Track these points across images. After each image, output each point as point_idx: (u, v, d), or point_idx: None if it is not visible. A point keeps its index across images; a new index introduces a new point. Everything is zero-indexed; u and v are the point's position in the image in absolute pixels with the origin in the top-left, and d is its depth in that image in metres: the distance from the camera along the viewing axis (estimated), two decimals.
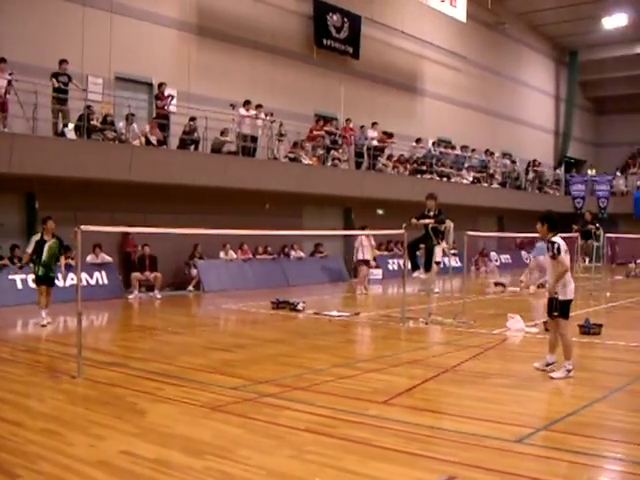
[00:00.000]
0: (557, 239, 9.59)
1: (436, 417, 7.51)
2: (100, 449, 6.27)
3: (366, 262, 23.32)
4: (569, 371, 9.43)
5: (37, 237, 14.62)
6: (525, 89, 44.89)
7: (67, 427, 6.94)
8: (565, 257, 9.48)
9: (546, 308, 9.74)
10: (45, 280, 14.57)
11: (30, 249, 14.61)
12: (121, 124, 20.83)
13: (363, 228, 22.06)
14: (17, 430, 6.85)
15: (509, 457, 6.17)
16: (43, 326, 14.09)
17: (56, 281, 15.07)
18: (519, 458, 6.16)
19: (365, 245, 22.90)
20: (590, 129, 52.61)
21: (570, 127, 48.57)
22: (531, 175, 40.81)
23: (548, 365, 9.71)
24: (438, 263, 20.71)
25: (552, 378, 9.38)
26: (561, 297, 9.48)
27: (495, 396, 8.54)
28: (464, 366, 10.11)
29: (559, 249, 9.47)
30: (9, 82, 18.11)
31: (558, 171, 45.27)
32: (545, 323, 13.59)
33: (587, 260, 23.79)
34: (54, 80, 19.26)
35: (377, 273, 26.29)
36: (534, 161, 41.92)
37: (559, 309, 9.45)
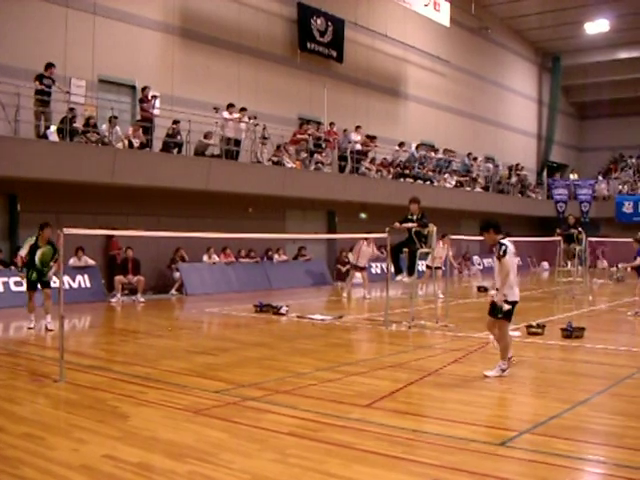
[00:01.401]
0: (505, 241, 9.72)
1: (419, 420, 7.51)
2: (82, 453, 6.24)
3: (360, 268, 23.10)
4: (503, 370, 9.56)
5: (32, 241, 14.34)
6: (508, 93, 45.10)
7: (49, 431, 6.90)
8: (510, 260, 9.59)
9: (489, 310, 9.76)
10: (38, 284, 14.42)
11: (24, 252, 14.42)
12: (104, 127, 20.76)
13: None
14: None
15: (492, 460, 6.18)
16: (49, 330, 13.94)
17: (52, 283, 14.83)
18: (502, 461, 6.17)
19: (364, 251, 22.64)
20: (572, 133, 52.93)
21: (553, 131, 48.83)
22: (514, 179, 40.96)
23: (503, 371, 9.72)
24: (438, 268, 20.75)
25: (486, 376, 9.46)
26: (511, 299, 9.56)
27: (478, 399, 8.56)
28: (447, 369, 10.13)
29: (505, 251, 9.58)
30: None
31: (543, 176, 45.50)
32: (527, 327, 13.70)
33: (569, 264, 23.93)
34: (37, 82, 19.19)
35: (361, 276, 26.29)
36: (517, 165, 42.11)
37: (503, 311, 9.52)
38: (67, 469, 5.82)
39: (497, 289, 9.63)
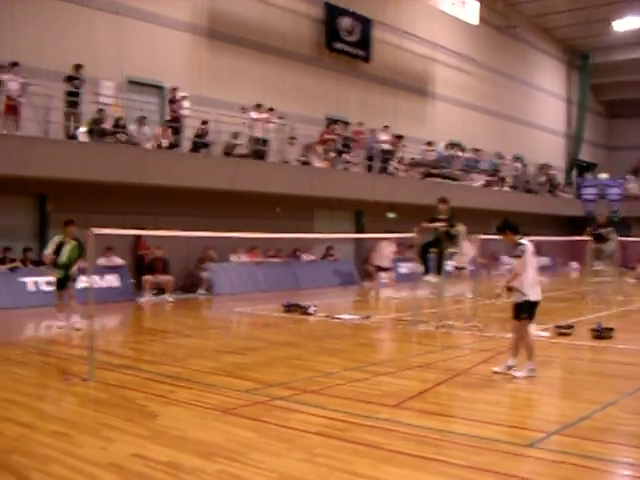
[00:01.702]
0: (524, 241, 9.75)
1: (447, 421, 7.49)
2: (111, 452, 6.28)
3: (384, 269, 23.39)
4: (532, 370, 9.49)
5: (58, 239, 14.49)
6: (536, 92, 44.80)
7: (78, 429, 6.95)
8: (525, 260, 9.56)
9: (513, 311, 9.72)
10: (66, 282, 14.52)
11: (49, 250, 14.52)
12: (133, 127, 20.88)
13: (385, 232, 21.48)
14: (28, 432, 6.87)
15: (520, 461, 6.16)
16: (77, 329, 14.01)
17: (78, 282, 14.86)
18: (531, 462, 6.14)
19: (384, 251, 22.87)
20: (602, 132, 52.48)
21: (582, 130, 48.45)
22: (542, 178, 40.68)
23: (509, 369, 9.67)
24: (462, 268, 20.77)
25: (515, 377, 9.40)
26: (534, 298, 9.53)
27: (506, 400, 8.53)
28: (475, 370, 10.09)
29: (523, 251, 9.60)
30: (22, 86, 18.19)
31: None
32: (556, 328, 13.61)
33: (599, 264, 23.70)
34: (67, 84, 19.35)
35: (386, 277, 26.25)
36: (545, 164, 41.83)
37: (527, 310, 9.49)
38: (95, 467, 5.86)
39: (517, 290, 9.59)
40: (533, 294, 9.52)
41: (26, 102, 18.33)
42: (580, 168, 49.31)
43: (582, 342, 12.81)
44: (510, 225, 9.86)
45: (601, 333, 13.09)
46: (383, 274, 23.74)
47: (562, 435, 6.88)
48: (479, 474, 5.77)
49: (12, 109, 18.21)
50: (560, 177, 43.97)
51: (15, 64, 18.22)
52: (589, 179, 46.05)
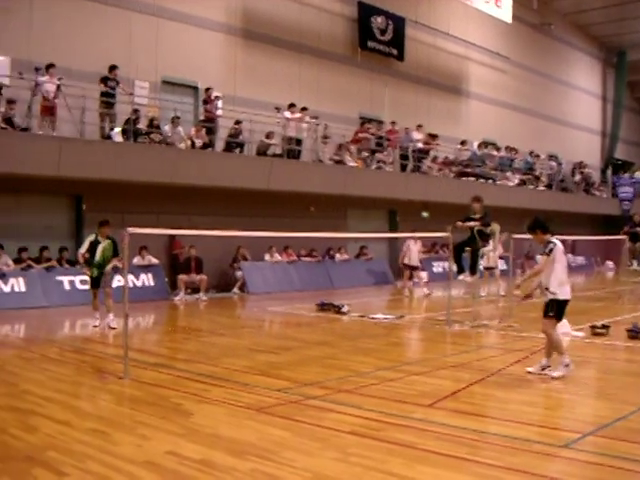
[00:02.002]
0: (555, 239, 9.68)
1: (482, 421, 7.45)
2: (146, 449, 6.32)
3: (414, 267, 23.42)
4: (567, 365, 9.40)
5: (91, 238, 14.55)
6: (571, 90, 44.46)
7: (114, 427, 7.01)
8: (554, 258, 9.49)
9: (544, 311, 9.65)
10: (99, 281, 14.66)
11: (84, 249, 14.64)
12: (167, 127, 21.00)
13: (413, 231, 21.71)
14: (65, 429, 6.93)
15: (555, 462, 6.11)
16: (112, 328, 14.11)
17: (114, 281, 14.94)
18: (566, 463, 6.09)
19: (412, 250, 22.94)
20: (638, 130, 51.91)
21: (617, 128, 47.99)
22: (577, 177, 40.34)
23: (544, 369, 9.60)
24: (492, 268, 20.71)
25: (554, 378, 9.30)
26: (563, 297, 9.44)
27: (541, 400, 8.47)
28: (510, 370, 10.03)
29: (552, 250, 9.53)
30: (58, 87, 18.37)
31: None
32: (592, 328, 13.49)
33: (635, 263, 23.49)
34: (102, 84, 19.52)
35: (423, 276, 26.19)
36: (581, 163, 41.47)
37: (556, 309, 9.42)
38: (131, 464, 5.90)
39: (547, 289, 9.52)
40: (561, 293, 9.43)
41: (61, 103, 18.50)
42: (615, 166, 48.81)
43: (618, 342, 12.69)
44: (540, 224, 9.78)
45: (637, 333, 12.95)
46: (422, 273, 23.84)
47: (597, 436, 6.82)
48: (513, 474, 5.73)
49: (48, 110, 18.40)
50: (595, 176, 43.55)
51: (51, 65, 18.40)
52: (625, 178, 45.57)
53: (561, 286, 9.46)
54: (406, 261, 23.49)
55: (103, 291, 14.58)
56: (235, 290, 22.45)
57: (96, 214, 18.56)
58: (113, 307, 14.20)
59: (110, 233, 14.42)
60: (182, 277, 20.70)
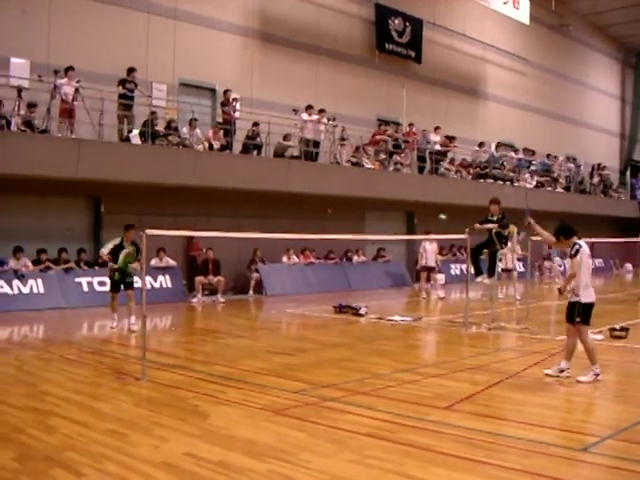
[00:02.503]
0: (580, 242, 9.65)
1: (499, 424, 7.43)
2: (163, 450, 6.35)
3: (429, 268, 23.49)
4: (597, 375, 9.33)
5: (117, 241, 14.58)
6: (590, 91, 44.26)
7: (131, 428, 7.04)
8: (580, 260, 9.45)
9: (567, 314, 9.59)
10: (121, 285, 14.68)
11: (107, 250, 14.64)
12: (184, 129, 21.05)
13: (427, 233, 22.00)
14: (83, 430, 6.97)
15: (574, 466, 6.09)
16: (132, 331, 14.11)
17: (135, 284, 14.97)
18: (584, 467, 6.07)
19: (428, 250, 23.01)
20: None
21: (636, 130, 47.69)
22: (596, 179, 40.15)
23: (562, 371, 9.55)
24: (510, 270, 20.70)
25: (579, 382, 9.26)
26: (587, 300, 9.38)
27: (560, 403, 8.44)
28: (528, 372, 10.00)
29: (577, 251, 9.50)
30: (76, 89, 18.46)
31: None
32: (611, 330, 13.42)
33: None
34: (120, 87, 19.60)
35: (440, 278, 26.15)
36: (599, 165, 41.26)
37: (582, 314, 9.35)
38: (149, 465, 5.93)
39: (572, 290, 9.48)
40: (585, 296, 9.38)
41: (80, 105, 18.58)
42: (634, 168, 48.55)
43: (637, 345, 12.64)
44: (562, 230, 9.73)
45: None
46: (438, 275, 23.92)
47: (616, 440, 6.78)
48: (530, 477, 5.71)
49: (67, 112, 18.50)
50: (614, 177, 43.32)
51: (70, 68, 18.49)
52: None
53: (585, 289, 9.41)
54: (423, 262, 23.52)
55: (125, 293, 14.62)
56: (250, 292, 22.44)
57: (114, 216, 18.72)
58: (135, 310, 14.22)
59: (135, 238, 14.38)
60: (199, 279, 20.73)
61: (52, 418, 7.41)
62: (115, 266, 14.60)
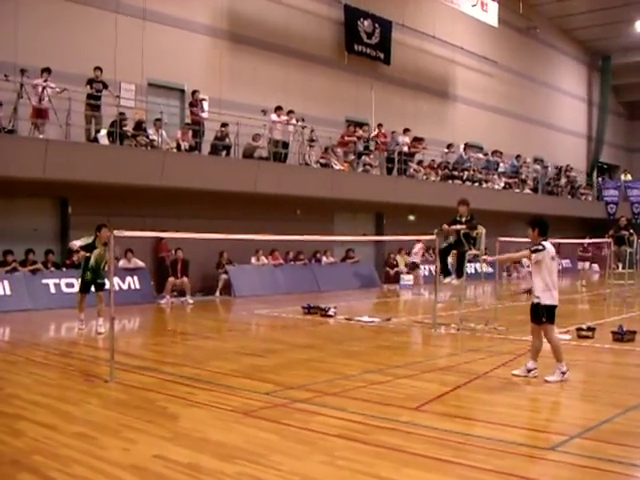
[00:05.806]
0: (546, 244, 9.61)
1: (468, 424, 7.46)
2: (133, 453, 6.30)
3: (415, 265, 25.37)
4: (564, 373, 9.40)
5: (90, 240, 14.27)
6: (557, 94, 44.65)
7: (100, 431, 6.98)
8: (541, 260, 9.50)
9: (530, 314, 9.65)
10: (92, 286, 14.50)
11: (79, 243, 14.34)
12: (150, 130, 20.92)
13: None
14: (51, 433, 6.90)
15: (542, 465, 6.12)
16: (99, 333, 13.97)
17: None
18: (553, 466, 6.10)
19: (415, 247, 24.60)
20: (623, 134, 52.19)
21: (603, 132, 48.20)
22: (563, 180, 40.48)
23: (529, 371, 9.62)
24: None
25: (547, 381, 9.32)
26: (547, 302, 9.42)
27: (528, 403, 8.49)
28: (496, 373, 10.05)
29: (537, 251, 9.52)
30: (43, 88, 18.31)
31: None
32: (577, 330, 13.53)
33: (620, 266, 23.58)
34: (88, 86, 19.47)
35: (409, 279, 26.32)
36: (566, 166, 41.63)
37: (546, 315, 9.42)
38: (118, 468, 5.88)
39: (529, 291, 9.55)
40: (545, 298, 9.41)
41: (48, 105, 18.44)
42: (601, 170, 49.04)
43: (603, 345, 12.74)
44: (541, 224, 9.74)
45: (623, 336, 13.00)
46: (405, 276, 24.64)
47: (584, 438, 6.84)
48: (500, 477, 5.74)
49: (40, 113, 18.37)
50: (581, 179, 43.72)
51: (46, 70, 18.37)
52: (610, 181, 45.80)
53: (545, 291, 9.44)
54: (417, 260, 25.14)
55: (95, 295, 14.45)
56: (217, 293, 22.37)
57: (82, 217, 18.59)
58: (105, 311, 14.07)
59: (107, 238, 14.09)
60: (171, 280, 20.64)
61: (19, 422, 7.33)
62: (88, 254, 14.37)
